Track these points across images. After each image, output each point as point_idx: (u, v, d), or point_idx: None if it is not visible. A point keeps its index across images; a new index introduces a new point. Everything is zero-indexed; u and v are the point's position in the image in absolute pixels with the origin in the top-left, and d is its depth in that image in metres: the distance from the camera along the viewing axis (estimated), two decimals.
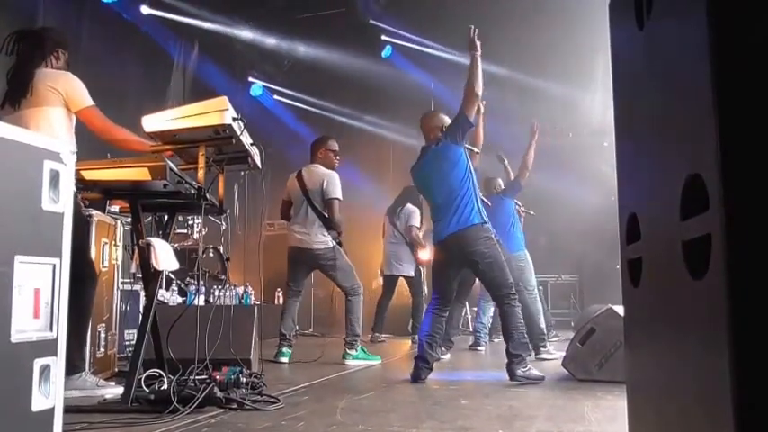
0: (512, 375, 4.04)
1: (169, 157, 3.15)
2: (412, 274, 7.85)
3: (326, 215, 5.37)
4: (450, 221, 4.18)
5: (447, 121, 4.44)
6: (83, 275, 3.26)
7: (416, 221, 7.76)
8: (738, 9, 0.94)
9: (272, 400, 3.17)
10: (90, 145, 3.52)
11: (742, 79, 0.93)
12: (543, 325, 5.99)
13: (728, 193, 0.90)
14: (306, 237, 5.39)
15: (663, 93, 1.21)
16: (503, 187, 6.54)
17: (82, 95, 3.40)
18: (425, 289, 9.17)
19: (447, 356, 5.71)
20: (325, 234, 5.37)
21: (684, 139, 1.08)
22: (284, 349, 5.35)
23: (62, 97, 3.35)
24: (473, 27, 4.28)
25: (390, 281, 7.89)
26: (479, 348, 6.52)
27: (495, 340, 7.19)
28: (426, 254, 8.02)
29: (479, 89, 4.22)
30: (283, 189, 5.73)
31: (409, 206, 7.81)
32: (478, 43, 4.24)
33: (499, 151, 6.79)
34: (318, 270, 5.60)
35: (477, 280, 5.04)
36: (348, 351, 5.29)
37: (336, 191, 5.36)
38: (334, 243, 5.40)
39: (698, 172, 1.00)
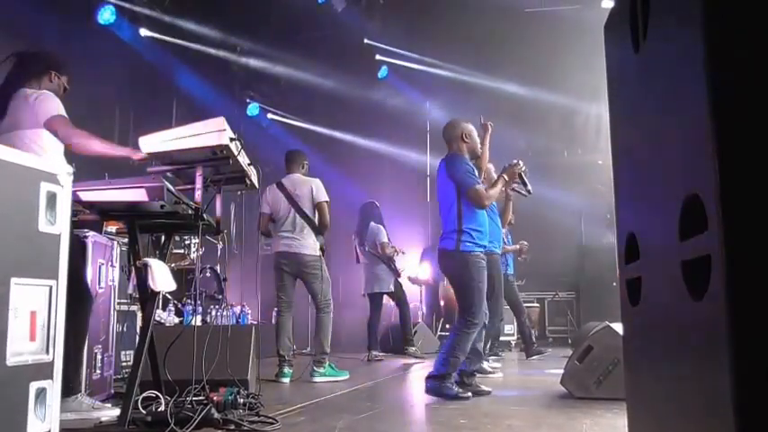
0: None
1: (142, 161, 3.12)
2: (392, 288, 7.88)
3: (316, 220, 5.46)
4: (441, 237, 4.40)
5: (466, 128, 4.52)
6: (78, 296, 3.23)
7: (384, 237, 7.85)
8: (734, 31, 0.95)
9: (269, 420, 3.14)
10: (88, 167, 3.48)
11: (739, 100, 0.93)
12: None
13: (727, 214, 0.90)
14: (295, 242, 5.42)
15: (660, 114, 1.22)
16: None
17: (50, 107, 3.23)
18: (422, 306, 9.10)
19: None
20: (315, 241, 5.43)
21: (682, 160, 1.09)
22: (285, 370, 5.29)
23: (38, 117, 3.21)
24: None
25: (374, 299, 7.91)
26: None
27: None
28: (425, 272, 8.01)
29: (489, 203, 4.44)
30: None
31: (372, 225, 7.90)
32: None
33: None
34: (301, 278, 5.52)
35: (491, 294, 5.00)
36: (316, 369, 5.30)
37: (325, 194, 5.55)
38: (320, 253, 5.44)
39: (696, 192, 1.00)
